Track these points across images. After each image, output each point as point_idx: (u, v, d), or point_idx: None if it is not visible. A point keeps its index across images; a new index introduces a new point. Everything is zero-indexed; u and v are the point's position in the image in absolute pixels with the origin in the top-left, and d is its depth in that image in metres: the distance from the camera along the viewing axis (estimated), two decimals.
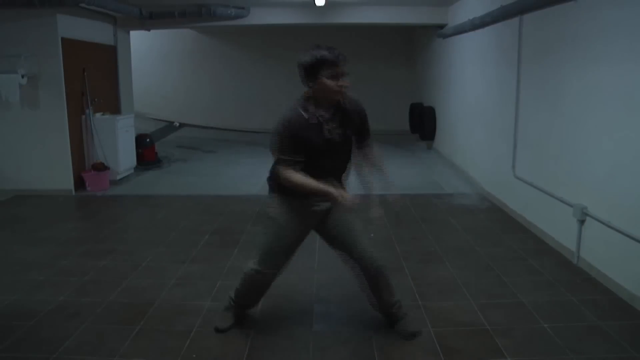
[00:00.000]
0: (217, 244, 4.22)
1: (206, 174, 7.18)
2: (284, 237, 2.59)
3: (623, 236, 3.12)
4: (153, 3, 7.05)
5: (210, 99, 11.52)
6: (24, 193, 5.88)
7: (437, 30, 7.94)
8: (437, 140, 8.60)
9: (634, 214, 3.05)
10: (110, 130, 6.42)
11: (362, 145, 2.63)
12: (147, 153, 7.42)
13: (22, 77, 5.65)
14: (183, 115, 11.60)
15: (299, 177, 2.39)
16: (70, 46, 5.98)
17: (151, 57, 11.22)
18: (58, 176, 5.98)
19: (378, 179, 2.67)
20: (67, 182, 6.00)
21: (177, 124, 11.48)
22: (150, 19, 7.25)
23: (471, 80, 6.43)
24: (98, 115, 6.49)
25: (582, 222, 3.59)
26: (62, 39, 5.81)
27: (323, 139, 2.42)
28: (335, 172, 2.56)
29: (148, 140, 7.51)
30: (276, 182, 2.52)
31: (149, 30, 8.10)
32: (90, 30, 6.57)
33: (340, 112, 2.48)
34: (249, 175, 6.89)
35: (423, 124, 8.72)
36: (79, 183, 6.13)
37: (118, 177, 6.50)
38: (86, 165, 6.37)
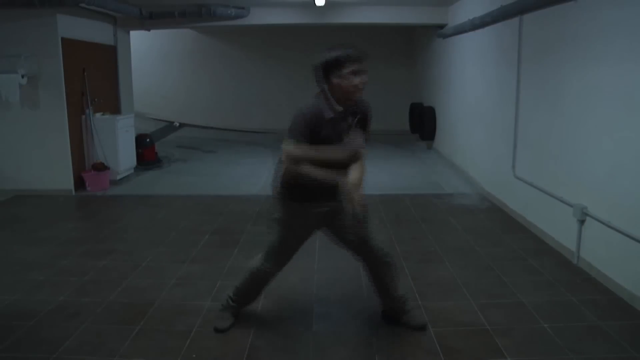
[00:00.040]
0: (217, 244, 4.22)
1: (206, 174, 7.18)
2: (288, 238, 2.62)
3: (623, 236, 3.12)
4: (153, 3, 7.05)
5: (210, 99, 11.52)
6: (24, 193, 5.88)
7: (437, 30, 7.93)
8: (437, 140, 8.60)
9: (634, 214, 3.05)
10: (110, 130, 6.42)
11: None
12: (147, 153, 7.42)
13: (22, 77, 5.65)
14: (183, 115, 11.60)
15: (306, 166, 2.38)
16: (70, 46, 5.98)
17: (151, 57, 11.22)
18: (58, 176, 5.98)
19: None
20: (67, 182, 6.00)
21: (177, 124, 11.48)
22: (150, 19, 7.25)
23: (471, 80, 6.43)
24: (98, 115, 6.49)
25: (582, 222, 3.60)
26: (62, 39, 5.81)
27: (338, 136, 2.44)
28: (341, 169, 2.56)
29: (148, 140, 7.51)
30: (281, 185, 2.54)
31: (149, 30, 8.10)
32: (90, 30, 6.57)
33: (353, 110, 2.49)
34: (249, 175, 6.89)
35: (423, 124, 8.72)
36: (79, 183, 6.13)
37: (118, 177, 6.50)
38: (86, 165, 6.37)
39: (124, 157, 6.62)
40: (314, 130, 2.38)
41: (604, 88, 3.36)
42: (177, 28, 9.77)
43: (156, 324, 2.86)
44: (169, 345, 2.64)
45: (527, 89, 4.63)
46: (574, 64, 3.74)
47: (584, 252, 3.60)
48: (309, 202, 2.53)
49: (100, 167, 6.28)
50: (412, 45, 10.86)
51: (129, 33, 7.67)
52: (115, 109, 7.19)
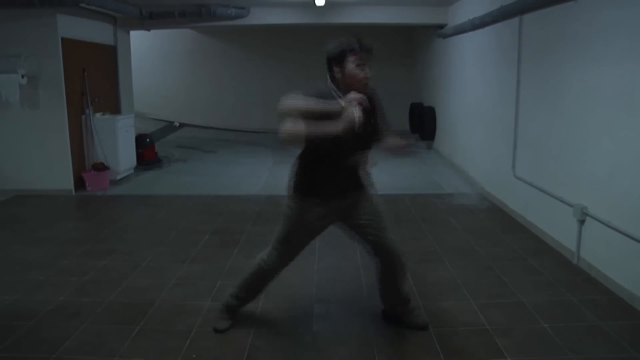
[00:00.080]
0: (217, 244, 4.22)
1: (206, 174, 7.18)
2: (298, 234, 2.60)
3: (623, 236, 3.12)
4: (153, 3, 7.05)
5: (210, 99, 11.52)
6: (24, 193, 5.88)
7: (437, 30, 7.93)
8: (437, 140, 8.60)
9: (634, 214, 3.05)
10: (110, 130, 6.42)
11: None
12: (147, 153, 7.42)
13: (22, 77, 5.65)
14: (183, 115, 11.61)
15: (306, 124, 2.24)
16: (70, 46, 5.98)
17: (151, 57, 11.22)
18: (58, 176, 5.98)
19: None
20: (67, 182, 6.00)
21: (177, 124, 11.49)
22: (150, 19, 7.25)
23: (471, 80, 6.43)
24: (98, 115, 6.49)
25: (582, 222, 3.60)
26: (62, 39, 5.81)
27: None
28: (352, 160, 2.54)
29: (148, 140, 7.52)
30: (297, 181, 2.54)
31: (149, 30, 8.10)
32: (90, 30, 6.57)
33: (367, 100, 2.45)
34: (249, 175, 6.88)
35: (423, 123, 8.72)
36: (79, 183, 6.13)
37: (118, 177, 6.50)
38: (86, 165, 6.37)
39: (124, 157, 6.63)
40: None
41: (604, 88, 3.36)
42: (177, 28, 9.77)
43: (156, 324, 2.86)
44: (169, 345, 2.64)
45: (527, 89, 4.63)
46: (574, 64, 3.74)
47: (584, 252, 3.60)
48: (326, 198, 2.51)
49: (100, 167, 6.28)
50: (412, 45, 10.86)
51: (129, 33, 7.67)
52: (115, 109, 7.19)
